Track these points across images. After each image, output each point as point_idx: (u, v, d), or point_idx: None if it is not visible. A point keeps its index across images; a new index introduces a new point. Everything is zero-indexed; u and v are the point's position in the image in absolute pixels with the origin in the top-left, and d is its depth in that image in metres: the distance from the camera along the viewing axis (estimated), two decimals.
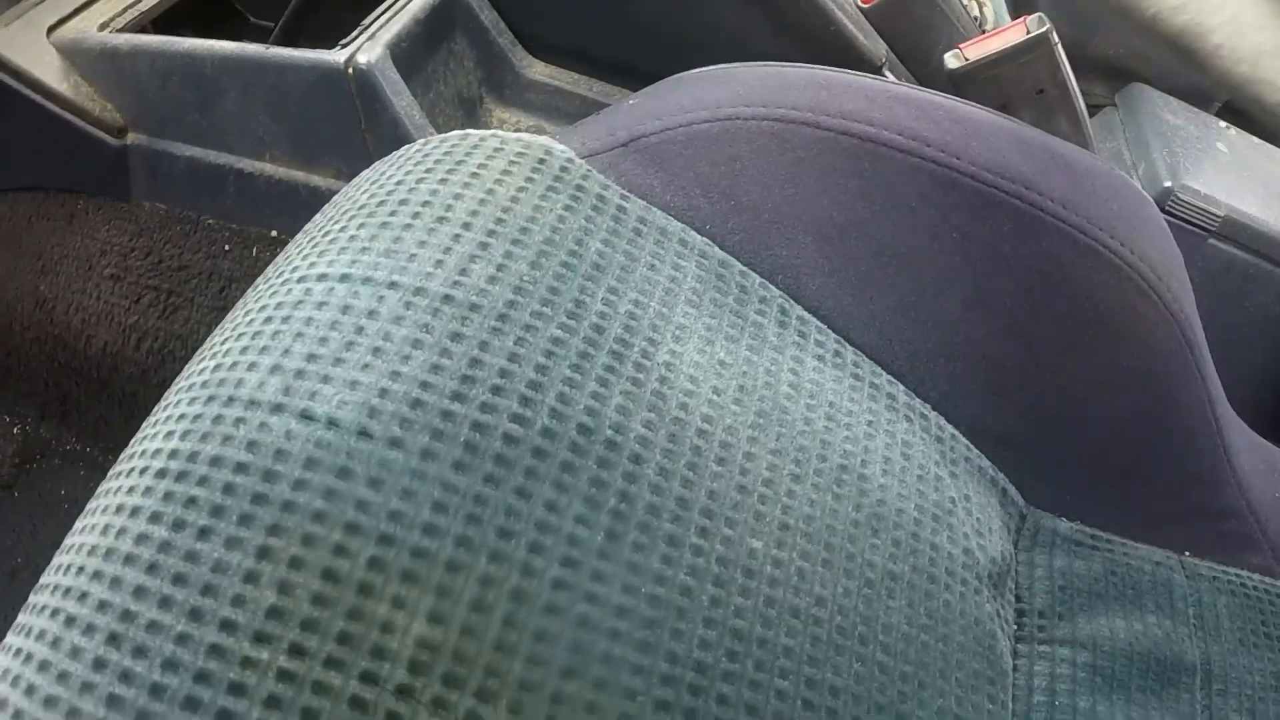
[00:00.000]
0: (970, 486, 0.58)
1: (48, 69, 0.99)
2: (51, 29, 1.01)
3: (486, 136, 0.56)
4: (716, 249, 0.56)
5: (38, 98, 0.98)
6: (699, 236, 0.56)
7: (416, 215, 0.50)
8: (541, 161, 0.54)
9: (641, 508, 0.43)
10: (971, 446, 0.60)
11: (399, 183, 0.53)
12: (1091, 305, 0.58)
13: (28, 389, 1.25)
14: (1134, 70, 1.00)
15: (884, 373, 0.58)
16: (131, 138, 1.00)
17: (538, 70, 0.98)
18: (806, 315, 0.57)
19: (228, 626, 0.38)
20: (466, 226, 0.49)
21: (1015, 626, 0.58)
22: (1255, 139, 0.95)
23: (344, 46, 0.84)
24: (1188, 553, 0.63)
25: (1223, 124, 0.95)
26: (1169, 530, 0.63)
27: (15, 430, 1.28)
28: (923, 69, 0.91)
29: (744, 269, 0.56)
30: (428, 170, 0.53)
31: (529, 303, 0.47)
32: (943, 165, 0.57)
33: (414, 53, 0.87)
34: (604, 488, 0.43)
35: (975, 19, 1.02)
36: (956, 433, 0.59)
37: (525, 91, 0.98)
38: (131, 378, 1.12)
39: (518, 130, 0.94)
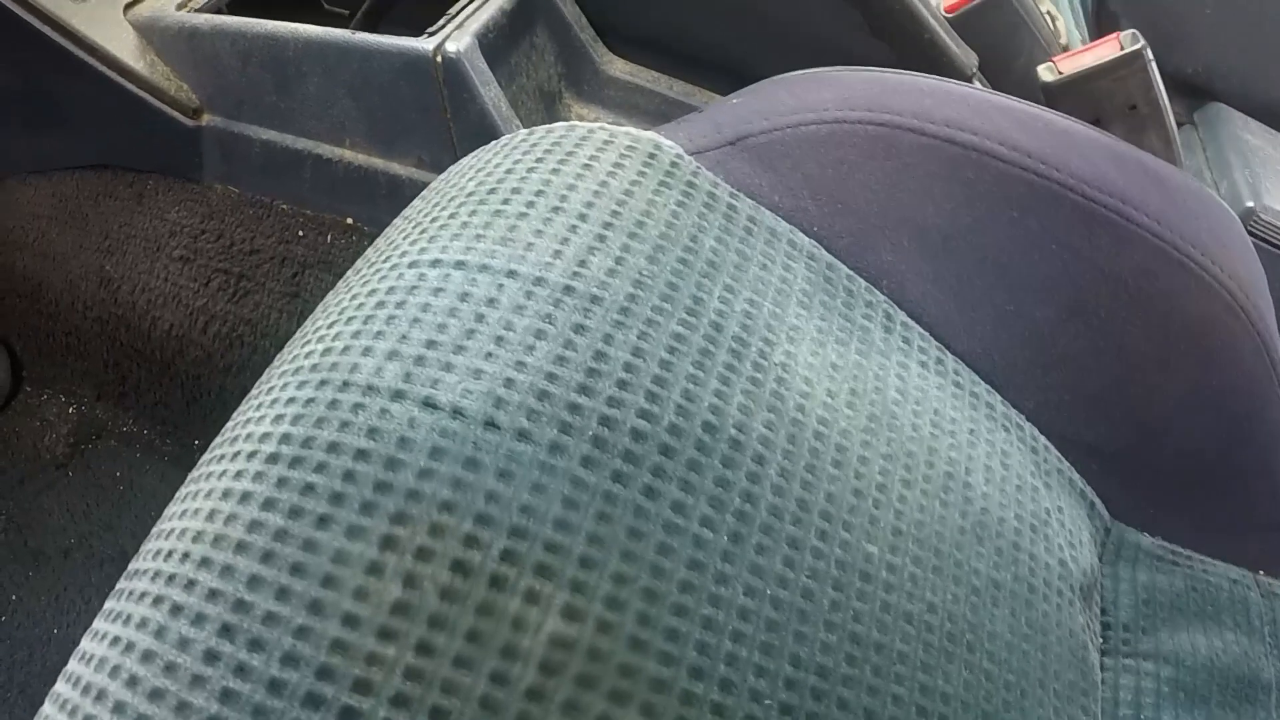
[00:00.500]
0: (1063, 498, 0.58)
1: (124, 46, 0.99)
2: (128, 6, 1.00)
3: (594, 129, 0.55)
4: (824, 251, 0.55)
5: (113, 74, 0.98)
6: (806, 238, 0.55)
7: (530, 204, 0.50)
8: (651, 156, 0.54)
9: (764, 509, 0.43)
10: (1063, 458, 0.59)
11: (509, 171, 0.53)
12: (1182, 320, 0.57)
13: (86, 369, 1.25)
14: (1212, 89, 1.00)
15: (982, 381, 0.58)
16: (206, 119, 0.99)
17: (618, 67, 0.98)
18: (910, 321, 0.56)
19: (350, 621, 0.37)
20: (583, 218, 0.49)
21: (1101, 639, 0.58)
22: None
23: (431, 35, 0.83)
24: (1262, 571, 0.63)
25: None
26: (1245, 547, 0.63)
27: (71, 410, 1.28)
28: (1002, 78, 0.90)
29: (850, 272, 0.56)
30: (538, 160, 0.53)
31: (649, 297, 0.47)
32: (1044, 177, 0.56)
33: (499, 44, 0.87)
34: (729, 488, 0.43)
35: (1054, 33, 1.02)
36: (1049, 444, 0.59)
37: (605, 88, 0.97)
38: (197, 361, 1.11)
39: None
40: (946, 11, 0.88)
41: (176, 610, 0.39)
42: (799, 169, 0.57)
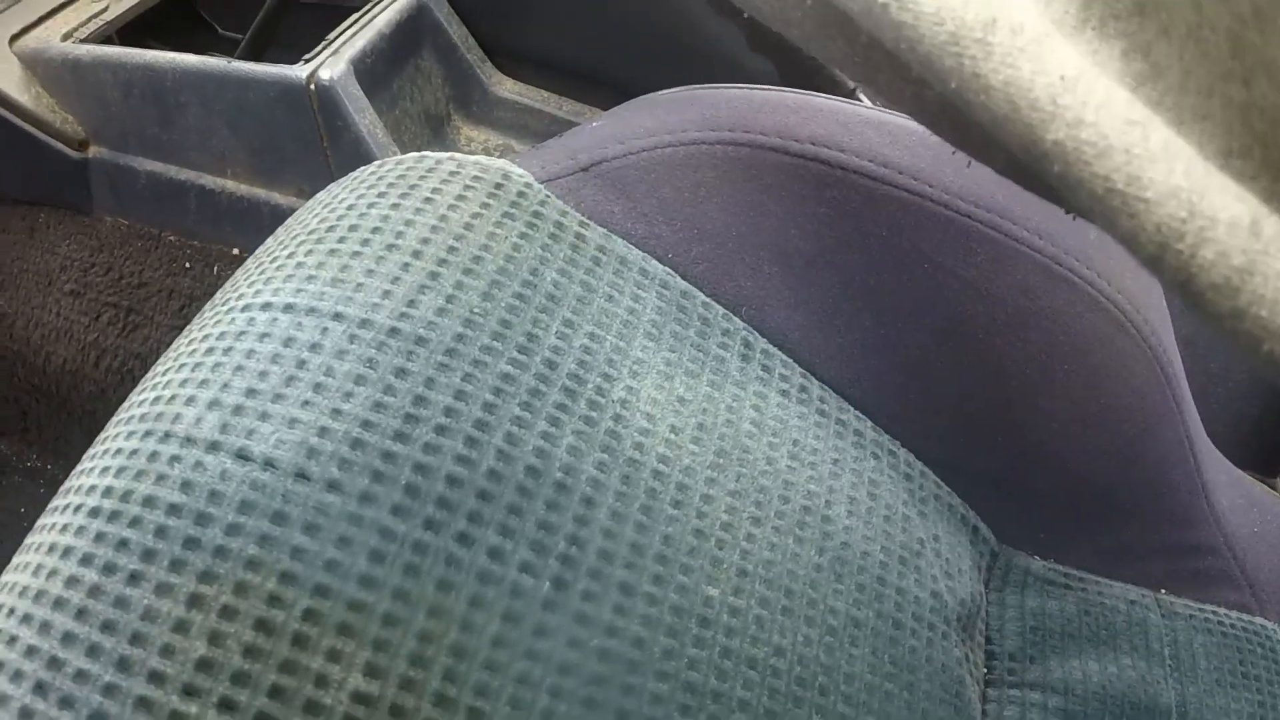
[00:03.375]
0: (940, 525, 0.57)
1: (8, 78, 0.97)
2: (14, 38, 0.98)
3: (443, 159, 0.54)
4: (678, 279, 0.54)
5: None
6: (660, 266, 0.54)
7: (366, 242, 0.48)
8: (499, 186, 0.52)
9: (593, 553, 0.42)
10: (941, 484, 0.58)
11: (350, 207, 0.51)
12: (1067, 337, 0.56)
13: None
14: None
15: (851, 408, 0.56)
16: (93, 151, 0.98)
17: (507, 87, 0.96)
18: (771, 349, 0.55)
19: (156, 678, 0.36)
20: (417, 255, 0.48)
21: (985, 670, 0.57)
22: None
23: (307, 61, 0.82)
24: (1163, 590, 0.62)
25: None
26: (1144, 567, 0.62)
27: None
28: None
29: (707, 300, 0.54)
30: (380, 194, 0.51)
31: (479, 336, 0.45)
32: (914, 193, 0.55)
33: (379, 69, 0.85)
34: (553, 532, 0.41)
35: None
36: (926, 469, 0.58)
37: (494, 109, 0.96)
38: (91, 396, 1.09)
39: (486, 148, 0.92)
40: None
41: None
42: (654, 194, 0.56)
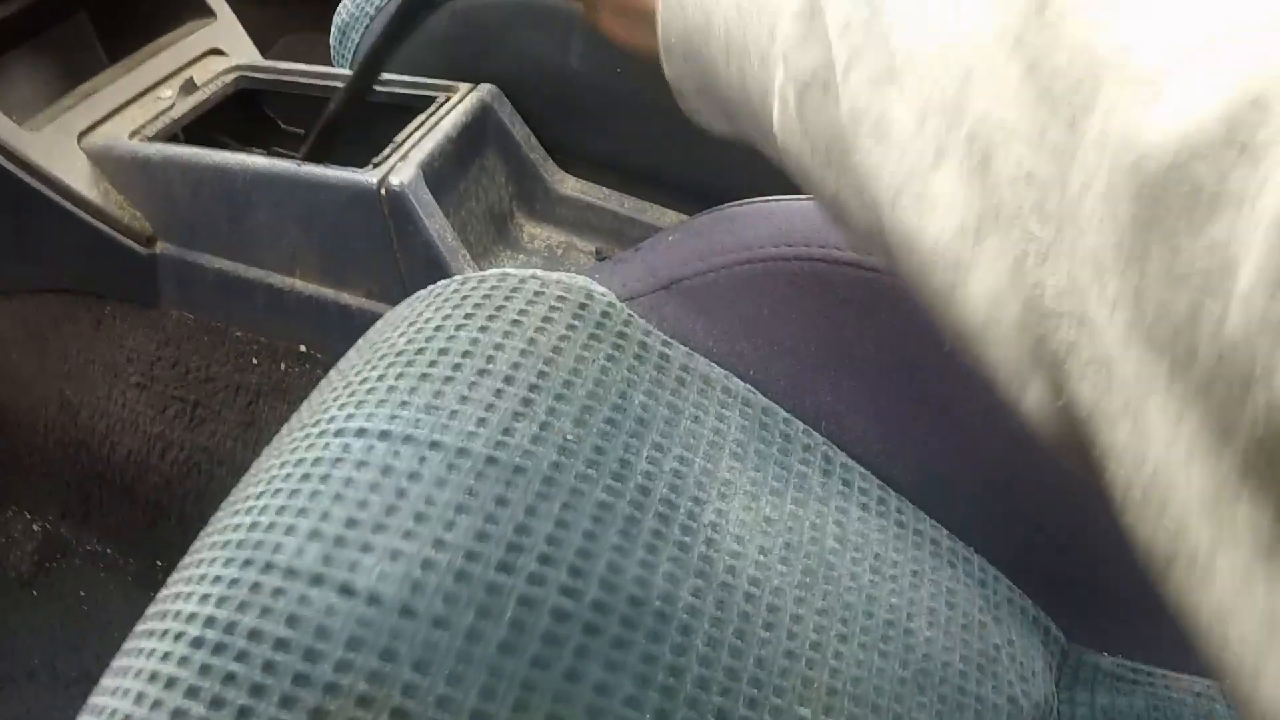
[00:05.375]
0: (1014, 630, 0.57)
1: (78, 175, 0.99)
2: (82, 134, 1.00)
3: (526, 278, 0.55)
4: (760, 396, 0.55)
5: (67, 204, 0.98)
6: (742, 384, 0.55)
7: (457, 367, 0.49)
8: (583, 307, 0.53)
9: (690, 682, 0.42)
10: (1014, 587, 0.59)
11: (438, 328, 0.52)
12: None
13: (50, 489, 1.24)
14: None
15: (927, 518, 0.57)
16: (161, 247, 0.99)
17: (569, 185, 0.98)
18: (850, 462, 0.56)
19: None
20: (509, 380, 0.48)
21: None
22: None
23: (376, 166, 0.83)
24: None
25: None
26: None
27: (35, 528, 1.27)
28: None
29: (787, 416, 0.55)
30: (467, 316, 0.53)
31: (574, 464, 0.46)
32: None
33: (446, 171, 0.86)
34: (654, 663, 0.42)
35: None
36: (999, 574, 0.58)
37: (556, 206, 0.97)
38: (156, 486, 1.11)
39: (549, 245, 0.94)
40: None
41: None
42: (734, 311, 0.57)
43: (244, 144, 1.04)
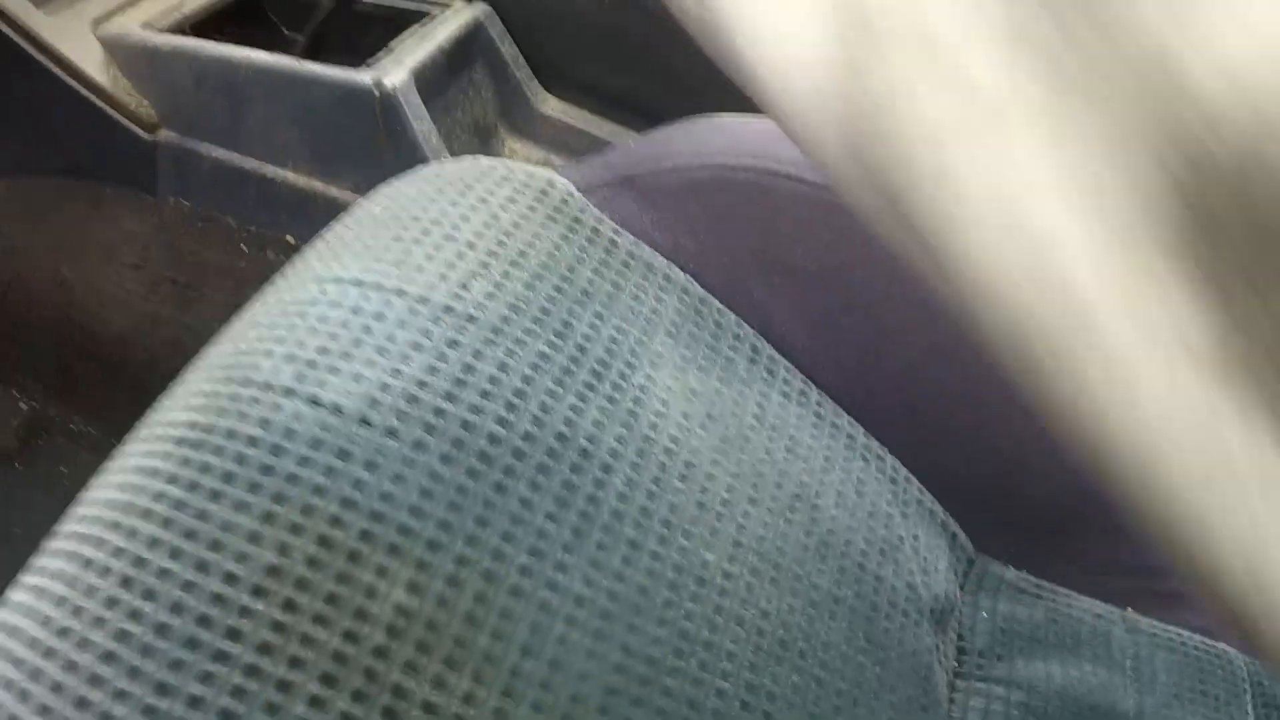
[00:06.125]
0: (920, 527, 0.62)
1: (90, 60, 1.04)
2: (97, 21, 1.05)
3: (495, 164, 0.61)
4: (697, 286, 0.60)
5: (77, 86, 1.03)
6: (682, 274, 0.60)
7: (426, 232, 0.55)
8: (544, 193, 0.59)
9: (607, 512, 0.48)
10: (924, 490, 0.64)
11: (412, 200, 0.58)
12: None
13: (37, 366, 1.30)
14: None
15: (845, 414, 0.63)
16: (163, 134, 1.04)
17: (551, 106, 1.03)
18: (776, 355, 0.61)
19: (230, 579, 0.43)
20: (470, 246, 0.54)
21: (956, 663, 0.62)
22: None
23: (370, 67, 0.88)
24: (1130, 609, 0.67)
25: None
26: (1111, 584, 0.67)
27: (22, 405, 1.33)
28: None
29: (720, 307, 0.61)
30: (439, 191, 0.58)
31: (521, 320, 0.52)
32: None
33: (436, 79, 0.92)
34: (574, 491, 0.48)
35: None
36: (910, 476, 0.64)
37: (538, 125, 1.03)
38: (142, 364, 1.16)
39: (528, 161, 0.99)
40: None
41: (87, 563, 0.45)
42: (681, 210, 0.62)
43: (239, 40, 1.09)
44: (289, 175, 0.98)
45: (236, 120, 0.98)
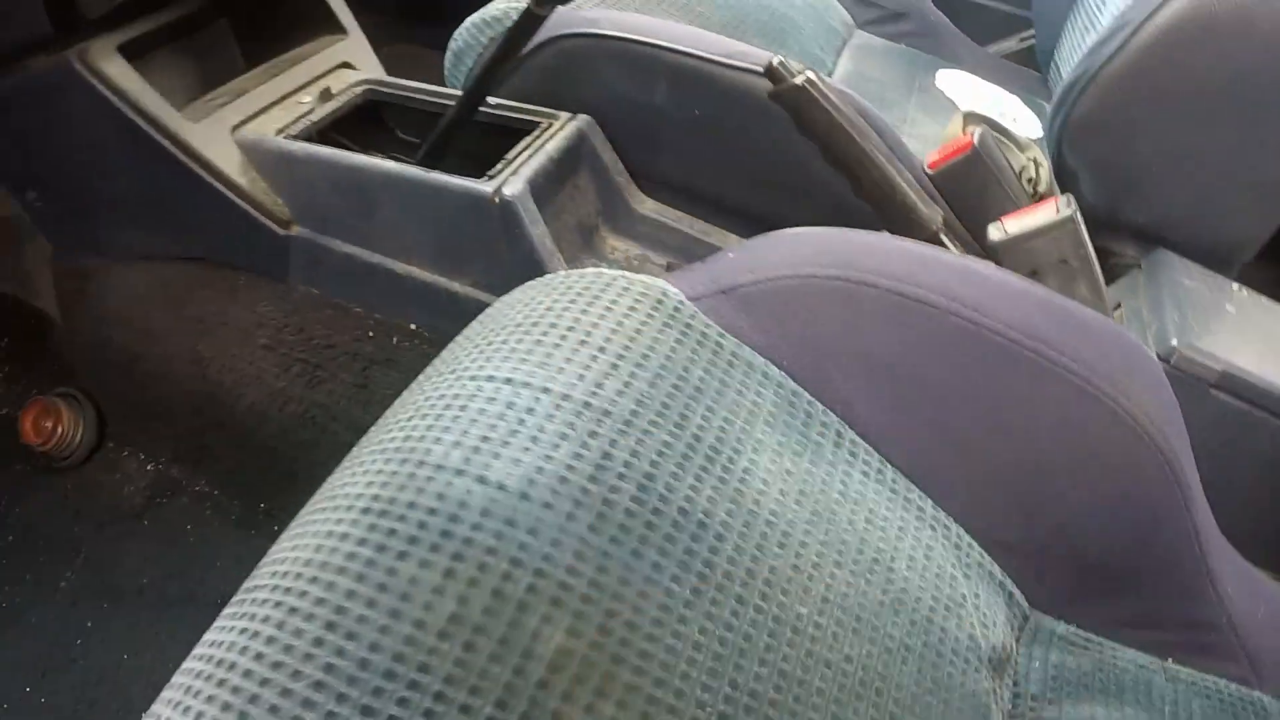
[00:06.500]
0: (980, 587, 0.72)
1: (230, 162, 1.15)
2: (235, 128, 1.17)
3: (616, 276, 0.72)
4: (790, 381, 0.71)
5: (219, 186, 1.14)
6: (777, 370, 0.71)
7: (564, 337, 0.66)
8: (659, 302, 0.70)
9: (719, 574, 0.58)
10: (985, 554, 0.74)
11: (548, 309, 0.69)
12: (1092, 442, 0.72)
13: (167, 433, 1.41)
14: (1160, 236, 1.11)
15: (916, 489, 0.73)
16: (296, 229, 1.15)
17: (648, 206, 1.14)
18: (857, 439, 0.71)
19: (419, 624, 0.53)
20: (602, 350, 0.65)
21: (1010, 705, 0.71)
22: (1265, 299, 1.06)
23: (491, 178, 1.00)
24: (1171, 659, 0.75)
25: (1236, 286, 1.06)
26: (1154, 636, 0.76)
27: (149, 468, 1.44)
28: (979, 224, 1.04)
29: (810, 398, 0.71)
30: (571, 300, 0.69)
31: (646, 413, 0.62)
32: (974, 323, 0.71)
33: (547, 185, 1.03)
34: (693, 556, 0.58)
35: (1030, 179, 1.16)
36: (973, 542, 0.73)
37: (636, 224, 1.14)
38: (272, 435, 1.27)
39: (627, 256, 1.10)
40: (930, 167, 1.03)
41: (293, 610, 0.55)
42: (776, 314, 0.73)
43: (364, 147, 1.21)
44: (413, 270, 1.09)
45: (365, 220, 1.09)
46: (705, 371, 0.67)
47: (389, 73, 1.33)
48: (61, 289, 1.43)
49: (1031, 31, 1.86)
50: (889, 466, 0.72)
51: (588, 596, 0.55)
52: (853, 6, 1.77)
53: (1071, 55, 1.52)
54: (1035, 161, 1.17)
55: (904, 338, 0.72)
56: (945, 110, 1.54)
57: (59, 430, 1.44)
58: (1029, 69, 1.87)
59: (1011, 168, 1.09)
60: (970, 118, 1.25)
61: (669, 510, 0.59)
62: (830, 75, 1.53)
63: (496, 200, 0.98)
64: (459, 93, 1.19)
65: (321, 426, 1.23)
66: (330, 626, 0.54)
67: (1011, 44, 1.99)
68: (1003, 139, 1.26)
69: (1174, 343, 0.93)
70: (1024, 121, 1.57)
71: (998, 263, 0.90)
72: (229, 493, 1.39)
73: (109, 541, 1.40)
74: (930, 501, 0.73)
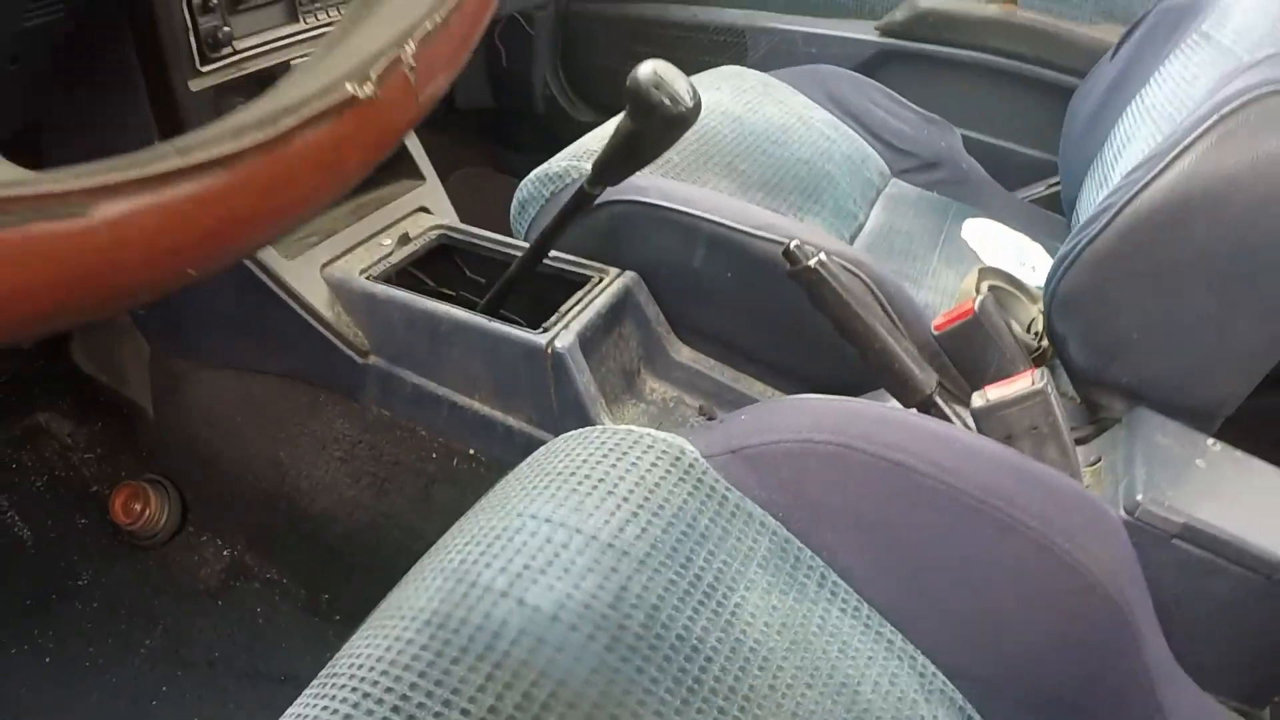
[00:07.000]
0: (941, 711, 0.85)
1: (318, 296, 1.30)
2: (324, 266, 1.33)
3: (643, 435, 0.86)
4: (784, 529, 0.85)
5: (307, 316, 1.29)
6: (774, 520, 0.85)
7: (595, 487, 0.81)
8: (677, 459, 0.85)
9: (706, 689, 0.72)
10: (948, 682, 0.87)
11: (584, 460, 0.84)
12: (1044, 590, 0.84)
13: (243, 524, 1.57)
14: (1142, 395, 1.19)
15: (888, 624, 0.86)
16: (372, 359, 1.31)
17: (685, 353, 1.30)
18: (839, 580, 0.85)
19: (465, 713, 0.68)
20: (625, 500, 0.80)
21: None
22: (1239, 454, 1.12)
23: (545, 330, 1.15)
24: None
25: (1210, 442, 1.13)
26: None
27: (225, 553, 1.59)
28: (978, 377, 1.16)
29: (800, 545, 0.85)
30: (603, 455, 0.84)
31: (658, 555, 0.77)
32: (947, 484, 0.84)
33: (595, 336, 1.18)
34: (685, 674, 0.72)
35: (1037, 333, 1.29)
36: (938, 671, 0.86)
37: (673, 369, 1.29)
38: (339, 538, 1.42)
39: (664, 398, 1.25)
40: (936, 329, 1.16)
41: (365, 695, 0.70)
42: (776, 472, 0.87)
43: (436, 281, 1.36)
44: (474, 403, 1.24)
45: (434, 356, 1.23)
46: (711, 520, 0.82)
47: (461, 190, 1.48)
48: (156, 386, 1.59)
49: (1058, 178, 1.93)
50: (865, 604, 0.86)
51: (598, 703, 0.69)
52: (889, 156, 1.87)
53: (1088, 206, 1.61)
54: (1038, 318, 1.30)
55: (885, 496, 0.85)
56: (967, 262, 1.64)
57: (146, 513, 1.58)
58: (1055, 213, 1.95)
59: (1012, 329, 1.21)
60: (985, 273, 1.39)
61: (669, 635, 0.73)
62: (862, 228, 1.65)
63: (549, 351, 1.13)
64: (521, 243, 1.35)
65: (384, 532, 1.37)
66: (395, 710, 0.68)
67: (1039, 189, 2.08)
68: (1014, 292, 1.39)
69: (1139, 497, 1.01)
70: (1042, 269, 1.65)
71: (978, 425, 1.03)
72: (296, 581, 1.54)
73: (185, 616, 1.54)
74: (900, 635, 0.86)
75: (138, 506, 1.58)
